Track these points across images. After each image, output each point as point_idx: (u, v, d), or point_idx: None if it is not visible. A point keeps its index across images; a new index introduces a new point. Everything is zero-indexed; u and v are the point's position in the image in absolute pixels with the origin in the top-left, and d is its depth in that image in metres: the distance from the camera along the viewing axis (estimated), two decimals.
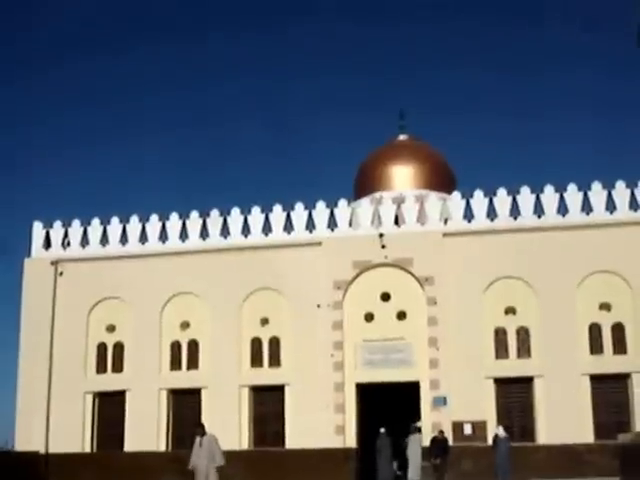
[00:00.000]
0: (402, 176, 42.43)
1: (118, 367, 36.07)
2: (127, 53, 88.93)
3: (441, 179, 41.91)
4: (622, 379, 32.34)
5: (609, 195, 33.73)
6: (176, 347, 35.68)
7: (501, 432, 29.30)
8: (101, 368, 36.20)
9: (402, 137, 44.81)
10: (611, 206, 33.61)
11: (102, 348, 36.29)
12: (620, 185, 33.77)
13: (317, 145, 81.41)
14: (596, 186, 33.87)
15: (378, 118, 71.39)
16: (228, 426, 33.73)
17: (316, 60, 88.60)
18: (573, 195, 33.93)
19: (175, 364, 35.58)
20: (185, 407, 35.28)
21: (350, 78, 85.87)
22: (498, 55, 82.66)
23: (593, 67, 78.55)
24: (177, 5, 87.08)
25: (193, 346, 35.59)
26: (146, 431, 34.94)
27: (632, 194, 33.59)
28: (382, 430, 32.31)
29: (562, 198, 33.99)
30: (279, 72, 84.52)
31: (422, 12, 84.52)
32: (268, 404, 34.76)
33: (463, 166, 59.35)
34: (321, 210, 35.61)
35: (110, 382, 35.86)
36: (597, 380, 32.31)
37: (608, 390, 32.32)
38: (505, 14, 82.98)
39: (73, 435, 35.46)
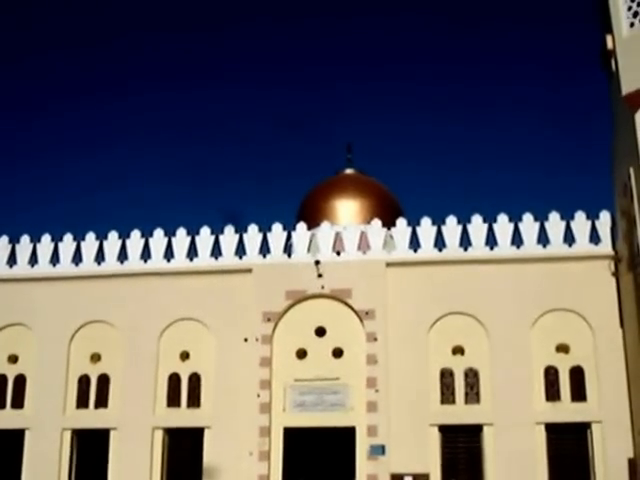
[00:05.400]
0: (346, 210, 39.99)
1: (18, 402, 32.33)
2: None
3: (387, 215, 38.92)
4: (581, 429, 29.29)
5: (568, 227, 31.12)
6: (84, 382, 32.11)
7: None
8: None
9: (348, 171, 42.59)
10: (570, 238, 30.97)
11: (2, 380, 32.58)
12: (580, 216, 31.20)
13: (260, 175, 77.48)
14: (554, 217, 31.29)
15: (326, 149, 68.62)
16: (138, 473, 30.48)
17: (271, 85, 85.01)
18: (529, 226, 31.29)
19: (82, 401, 31.96)
20: (91, 450, 31.58)
21: (301, 107, 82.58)
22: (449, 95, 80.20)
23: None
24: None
25: (103, 381, 32.08)
26: (46, 476, 31.07)
27: (593, 226, 30.97)
28: None
29: (517, 229, 31.36)
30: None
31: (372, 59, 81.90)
32: (185, 449, 31.28)
33: (413, 203, 57.17)
34: (253, 235, 32.56)
35: (8, 419, 32.10)
36: (553, 430, 29.34)
37: (565, 441, 29.31)
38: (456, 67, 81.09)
39: None
